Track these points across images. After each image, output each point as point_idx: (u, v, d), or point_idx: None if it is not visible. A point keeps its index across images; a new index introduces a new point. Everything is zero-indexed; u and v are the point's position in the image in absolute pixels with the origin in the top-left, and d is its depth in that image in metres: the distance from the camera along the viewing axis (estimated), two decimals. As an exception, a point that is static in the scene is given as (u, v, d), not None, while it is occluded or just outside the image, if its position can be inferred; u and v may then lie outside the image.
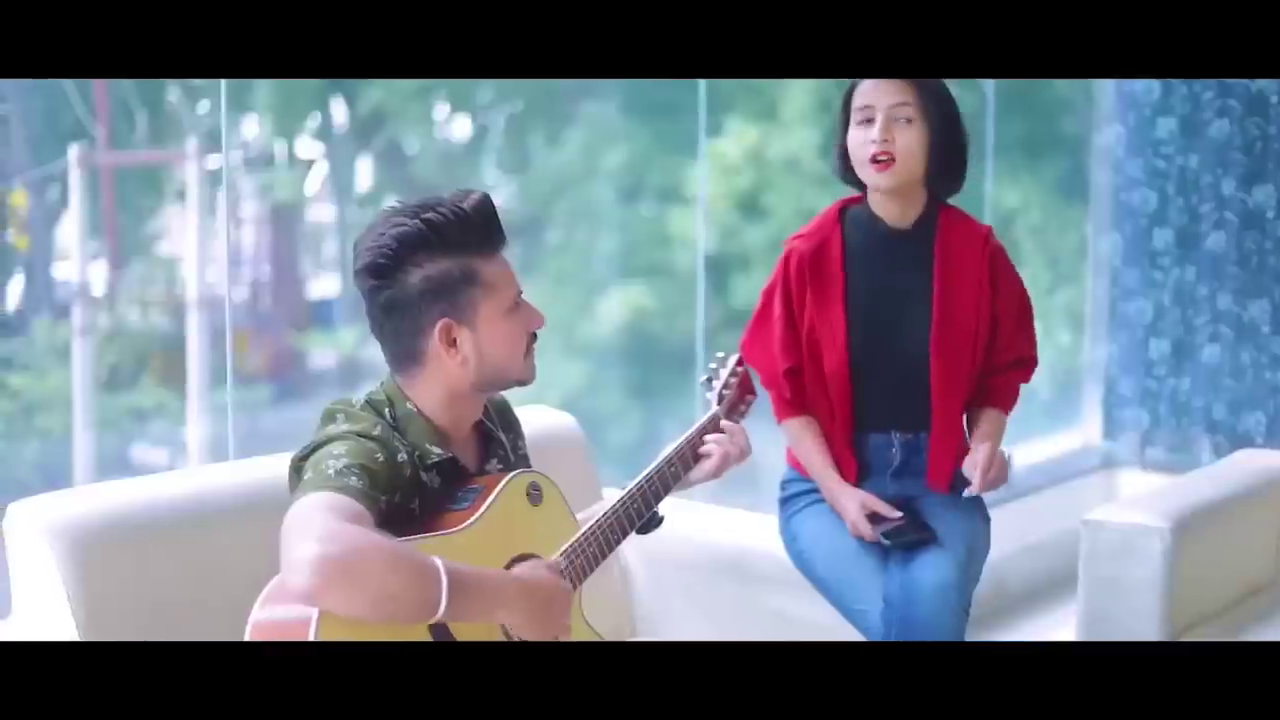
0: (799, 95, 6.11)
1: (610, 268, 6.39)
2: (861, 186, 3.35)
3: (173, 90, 6.31)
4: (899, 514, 3.24)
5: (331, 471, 2.42)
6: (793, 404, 3.38)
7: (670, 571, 3.61)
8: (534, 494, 2.70)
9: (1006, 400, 3.43)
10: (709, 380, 3.09)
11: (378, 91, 6.36)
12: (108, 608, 2.74)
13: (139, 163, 6.63)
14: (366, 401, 2.64)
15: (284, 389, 6.82)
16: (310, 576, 2.23)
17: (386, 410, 2.63)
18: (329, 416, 2.61)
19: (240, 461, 3.12)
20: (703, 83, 5.50)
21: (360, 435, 2.53)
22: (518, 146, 6.69)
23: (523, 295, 2.68)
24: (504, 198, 7.05)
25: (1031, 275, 7.46)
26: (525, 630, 2.50)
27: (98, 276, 6.86)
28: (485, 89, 6.44)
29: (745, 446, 3.01)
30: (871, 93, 3.23)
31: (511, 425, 2.91)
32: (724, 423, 3.02)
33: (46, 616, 2.74)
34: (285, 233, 8.07)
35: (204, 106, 7.00)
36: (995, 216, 6.98)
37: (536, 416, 3.61)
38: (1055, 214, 7.55)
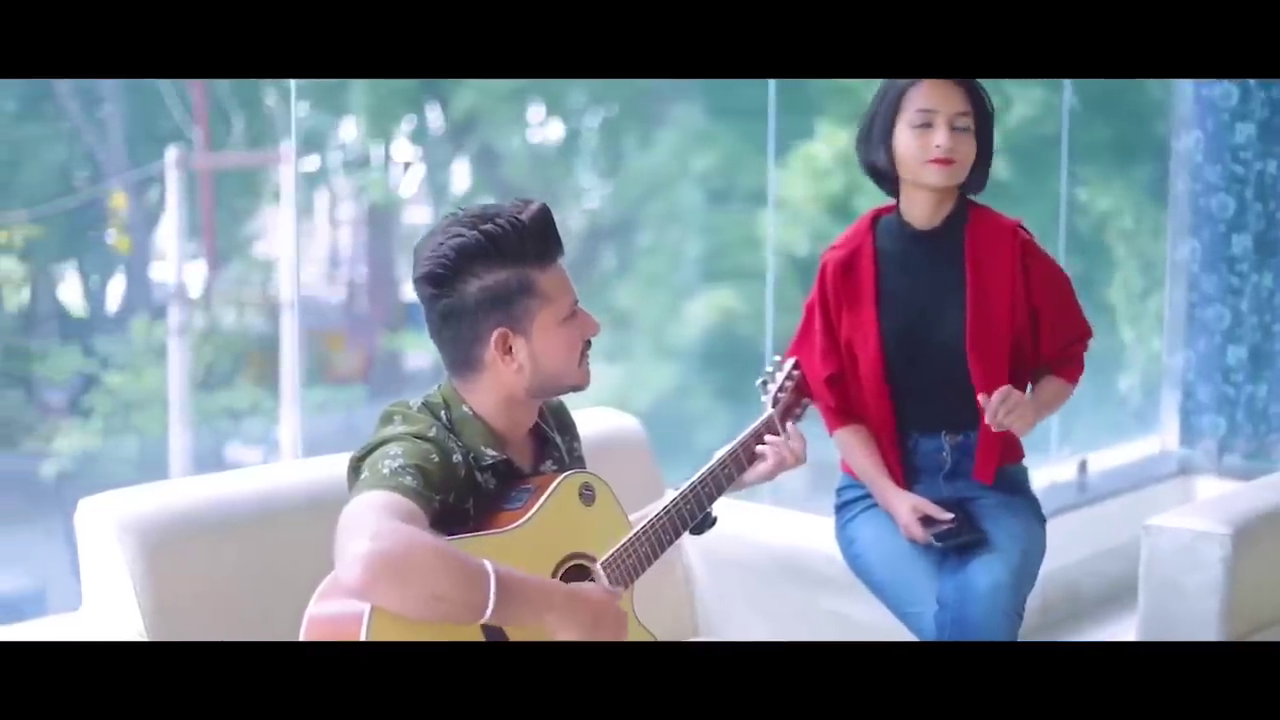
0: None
1: (699, 270, 6.40)
2: (891, 187, 3.34)
3: (269, 92, 6.38)
4: (950, 516, 3.23)
5: (387, 471, 2.46)
6: (838, 412, 3.38)
7: (732, 573, 3.62)
8: (586, 494, 2.71)
9: (1071, 371, 3.42)
10: (764, 383, 3.10)
11: (470, 94, 6.40)
12: (174, 602, 2.77)
13: (235, 164, 6.71)
14: (424, 404, 2.66)
15: (376, 389, 6.89)
16: (361, 572, 2.27)
17: (443, 413, 2.66)
18: (387, 418, 2.64)
19: (306, 460, 3.16)
20: (772, 83, 5.48)
21: (416, 436, 2.55)
22: (610, 149, 6.71)
23: (578, 303, 2.70)
24: (596, 201, 7.08)
25: (1124, 280, 7.39)
26: (570, 637, 2.52)
27: (194, 277, 6.96)
28: (578, 92, 6.47)
29: (801, 452, 3.01)
30: (933, 98, 3.21)
31: (567, 427, 2.93)
32: (785, 426, 3.02)
33: (115, 610, 2.78)
34: (381, 234, 8.14)
35: (301, 109, 7.08)
36: (1086, 220, 6.93)
37: (600, 418, 3.62)
38: (1148, 219, 7.47)
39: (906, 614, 3.24)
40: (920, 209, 3.32)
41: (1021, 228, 3.33)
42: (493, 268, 2.57)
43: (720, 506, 3.41)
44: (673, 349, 6.44)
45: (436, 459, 2.53)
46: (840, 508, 3.49)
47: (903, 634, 3.22)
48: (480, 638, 2.43)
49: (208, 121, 6.53)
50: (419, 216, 8.31)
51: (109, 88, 6.54)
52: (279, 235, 6.50)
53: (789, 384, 3.12)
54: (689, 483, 2.90)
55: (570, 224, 7.23)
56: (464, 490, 2.60)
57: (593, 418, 3.63)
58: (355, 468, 2.56)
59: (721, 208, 6.49)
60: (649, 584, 3.30)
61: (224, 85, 6.28)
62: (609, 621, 2.55)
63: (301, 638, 2.42)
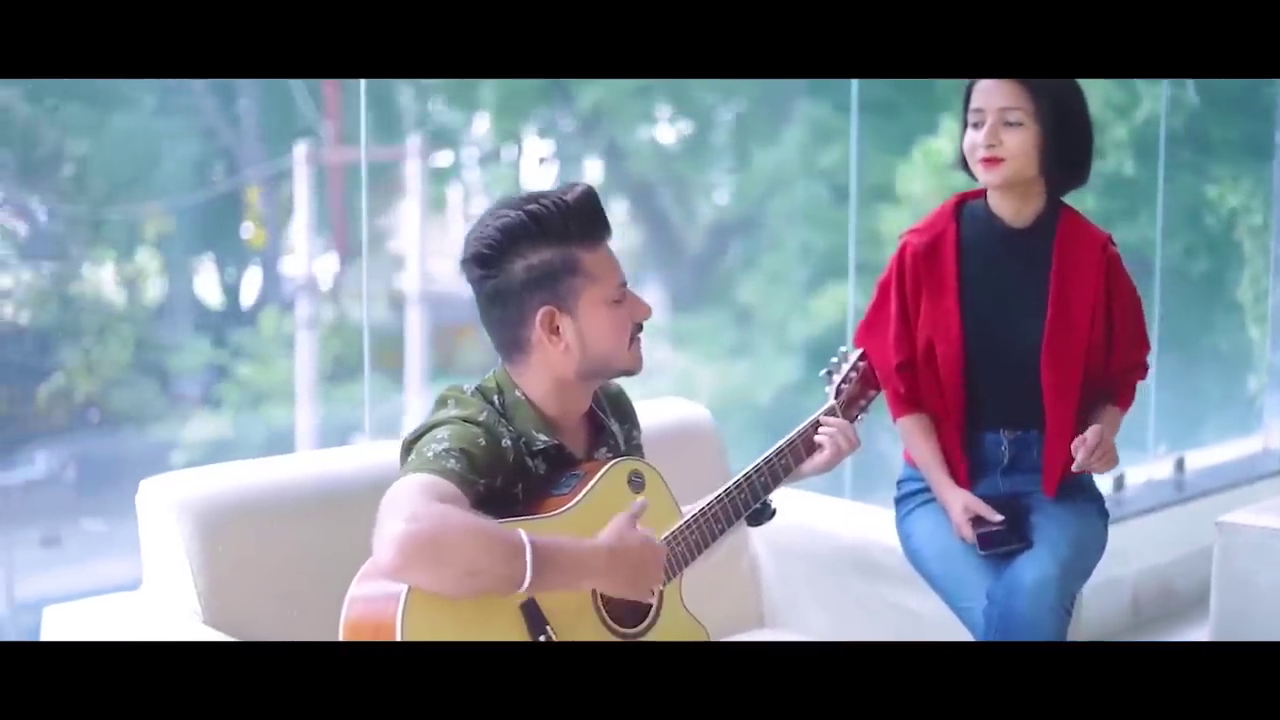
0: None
1: (823, 266, 6.36)
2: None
3: (400, 88, 6.45)
4: (1000, 517, 3.20)
5: (431, 454, 2.48)
6: (906, 400, 3.34)
7: (797, 563, 3.59)
8: (635, 481, 2.70)
9: (1125, 400, 3.38)
10: (829, 373, 3.07)
11: (596, 90, 6.42)
12: (229, 583, 2.79)
13: (363, 159, 6.76)
14: (477, 388, 2.68)
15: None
16: (395, 553, 2.30)
17: (495, 397, 2.67)
18: (441, 402, 2.65)
19: (362, 445, 3.17)
20: (855, 83, 5.42)
21: (465, 420, 2.57)
22: (738, 146, 6.71)
23: (626, 285, 2.70)
24: (722, 197, 7.09)
25: (1252, 276, 7.26)
26: (618, 592, 2.55)
27: (323, 270, 7.04)
28: (706, 89, 6.47)
29: (854, 439, 3.00)
30: (982, 96, 3.19)
31: (626, 415, 2.94)
32: (828, 418, 2.98)
33: (171, 590, 2.82)
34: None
35: (431, 105, 7.14)
36: (1215, 218, 6.82)
37: (670, 408, 3.61)
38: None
39: (959, 608, 3.22)
40: (1005, 206, 3.28)
41: (1111, 241, 3.30)
42: (538, 247, 2.59)
43: (785, 498, 3.39)
44: (795, 344, 6.41)
45: (484, 443, 2.54)
46: (900, 500, 3.46)
47: (962, 628, 3.19)
48: (516, 611, 2.48)
49: (339, 116, 6.61)
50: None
51: (242, 84, 6.64)
52: (406, 229, 6.57)
53: (854, 375, 3.08)
54: (743, 472, 2.89)
55: (697, 219, 7.24)
56: (513, 474, 2.61)
57: (663, 407, 3.63)
58: (406, 450, 2.60)
59: (846, 204, 6.47)
60: (715, 573, 3.29)
61: (355, 81, 6.35)
62: (651, 570, 2.57)
63: (342, 618, 2.45)
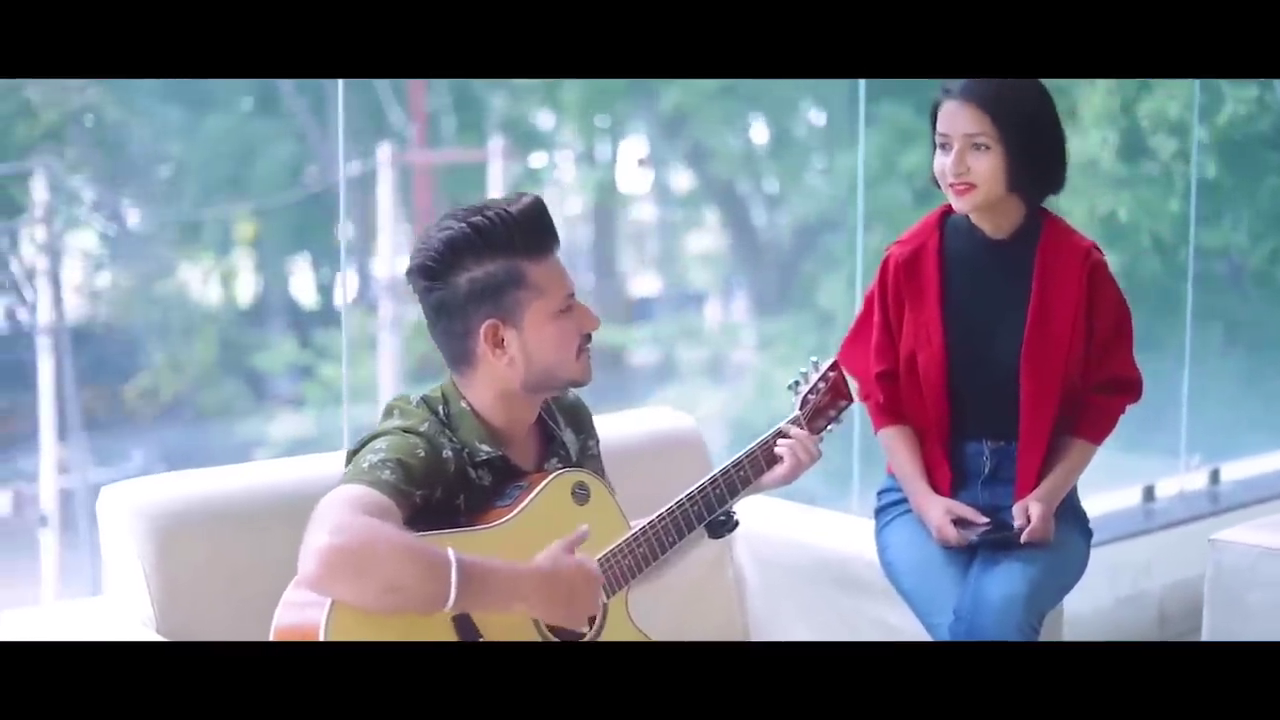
0: (1099, 96, 5.94)
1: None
2: None
3: (484, 89, 6.49)
4: (985, 520, 3.15)
5: (366, 465, 2.46)
6: (887, 410, 3.29)
7: (781, 576, 3.53)
8: (579, 493, 2.65)
9: (1098, 427, 3.26)
10: (795, 384, 3.02)
11: (677, 92, 6.42)
12: (184, 591, 2.68)
13: (448, 161, 6.81)
14: (423, 399, 2.65)
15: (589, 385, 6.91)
16: (316, 565, 2.29)
17: (441, 407, 2.64)
18: (387, 412, 2.61)
19: (326, 455, 3.11)
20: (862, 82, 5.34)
21: (406, 431, 2.54)
22: (818, 147, 6.67)
23: (574, 296, 2.65)
24: (802, 199, 7.07)
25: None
26: (550, 619, 2.50)
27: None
28: (785, 90, 6.45)
29: (815, 451, 2.93)
30: (947, 121, 3.12)
31: (583, 426, 2.88)
32: (791, 429, 2.93)
33: (129, 597, 2.81)
34: (605, 230, 8.21)
35: (515, 106, 7.17)
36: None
37: (654, 418, 3.56)
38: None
39: (928, 624, 3.16)
40: (985, 220, 3.23)
41: (1096, 249, 3.23)
42: (482, 260, 2.55)
43: (771, 508, 3.34)
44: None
45: (423, 453, 2.51)
46: (879, 510, 3.41)
47: (936, 644, 3.15)
48: (450, 626, 2.43)
49: (425, 118, 6.65)
50: (645, 213, 8.37)
51: (331, 85, 6.68)
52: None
53: (822, 385, 3.01)
54: (697, 485, 2.82)
55: (777, 221, 7.23)
56: (455, 485, 2.57)
57: (648, 417, 3.58)
58: (349, 460, 2.58)
59: (927, 206, 6.43)
60: (699, 584, 3.25)
61: (440, 83, 6.40)
62: (584, 598, 2.51)
63: (273, 623, 2.41)
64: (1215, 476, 6.02)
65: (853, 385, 3.18)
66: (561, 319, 2.60)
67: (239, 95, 6.85)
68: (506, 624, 2.50)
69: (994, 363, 3.21)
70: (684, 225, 7.90)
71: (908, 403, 3.28)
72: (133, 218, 6.60)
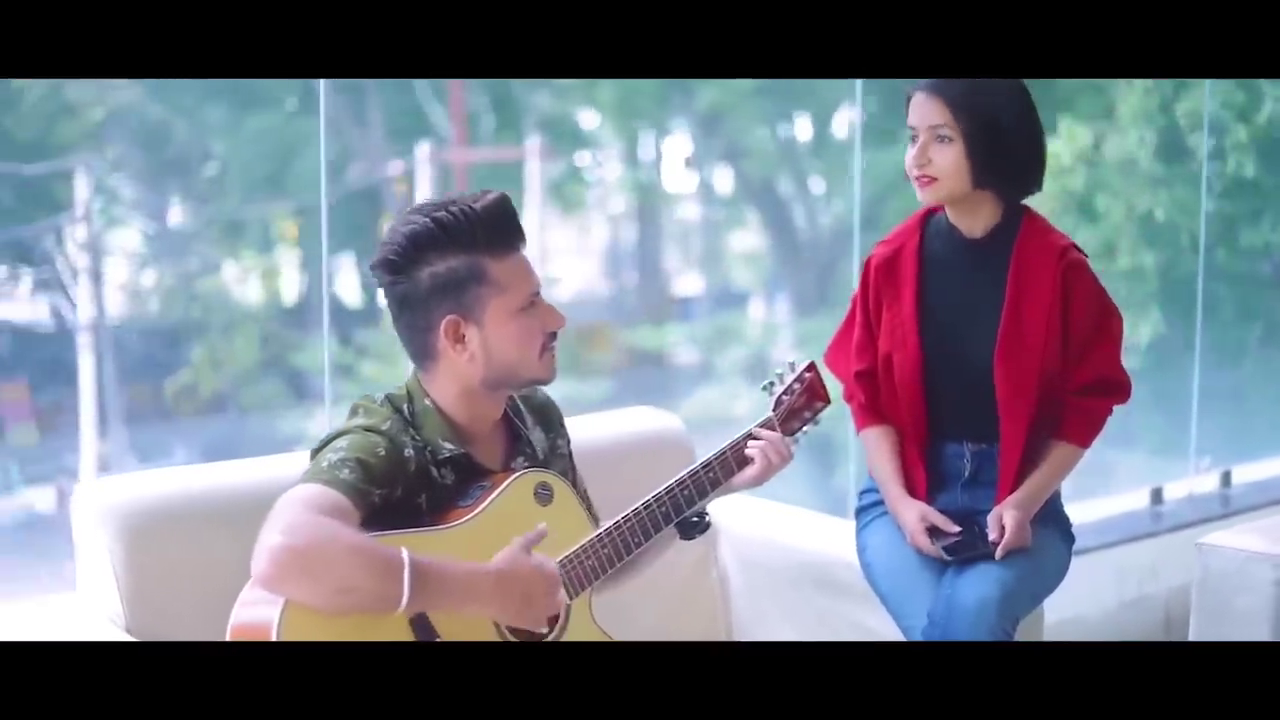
0: (1136, 95, 5.89)
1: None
2: None
3: (522, 89, 6.48)
4: (957, 529, 3.12)
5: (326, 464, 2.46)
6: (868, 410, 3.26)
7: (764, 578, 3.51)
8: (542, 493, 2.65)
9: (1081, 430, 3.22)
10: (770, 384, 2.99)
11: (714, 91, 6.40)
12: (154, 590, 2.78)
13: (486, 160, 6.80)
14: (387, 396, 2.67)
15: (624, 384, 6.90)
16: (268, 564, 2.29)
17: (405, 405, 2.64)
18: (352, 410, 2.65)
19: (296, 454, 3.10)
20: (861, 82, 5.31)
21: (367, 429, 2.54)
22: (859, 146, 6.62)
23: (539, 294, 2.66)
24: (842, 198, 7.01)
25: None
26: (507, 620, 2.51)
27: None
28: (825, 89, 6.41)
29: (786, 453, 2.90)
30: (915, 113, 3.10)
31: (552, 424, 2.89)
32: (763, 430, 2.89)
33: (99, 594, 2.79)
34: (650, 229, 8.19)
35: (555, 105, 7.15)
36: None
37: (640, 418, 3.53)
38: None
39: (903, 626, 3.13)
40: (959, 218, 3.20)
41: (1074, 248, 3.18)
42: (445, 255, 2.56)
43: (756, 509, 3.32)
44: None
45: (383, 452, 2.51)
46: (859, 511, 3.38)
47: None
48: (406, 628, 2.44)
49: (463, 117, 6.65)
50: (689, 212, 8.34)
51: (371, 84, 6.70)
52: (529, 229, 6.59)
53: (797, 386, 2.98)
54: (665, 486, 2.81)
55: (818, 221, 7.19)
56: (416, 485, 2.57)
57: (634, 417, 3.56)
58: (312, 458, 2.58)
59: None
60: (683, 585, 3.24)
61: (479, 82, 6.39)
62: (542, 596, 2.51)
63: (229, 623, 2.43)
64: (1227, 479, 5.95)
65: (835, 388, 3.17)
66: (523, 316, 2.59)
67: (282, 94, 6.86)
68: (465, 624, 2.49)
69: (969, 363, 3.19)
70: (725, 225, 7.88)
71: (888, 402, 3.27)
72: (174, 216, 6.63)
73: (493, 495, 2.59)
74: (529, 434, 2.77)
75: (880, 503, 3.31)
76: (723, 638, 3.49)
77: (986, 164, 3.10)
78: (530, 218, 6.45)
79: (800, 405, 3.01)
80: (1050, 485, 3.20)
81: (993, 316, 3.18)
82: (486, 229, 2.58)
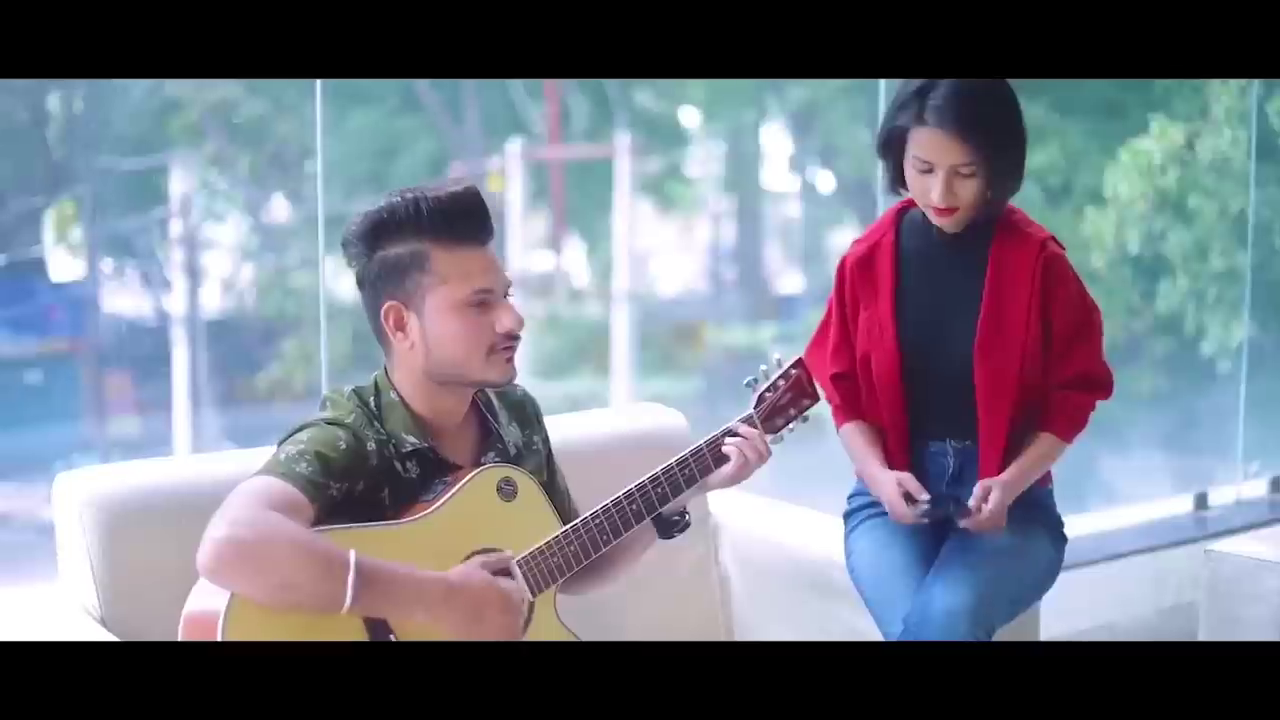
0: (1231, 94, 5.77)
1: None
2: None
3: (615, 87, 6.49)
4: (927, 496, 3.03)
5: (284, 456, 2.37)
6: (844, 410, 3.20)
7: (763, 579, 3.43)
8: (506, 489, 2.49)
9: (1065, 423, 3.11)
10: (753, 381, 2.89)
11: (804, 90, 6.37)
12: (130, 581, 2.63)
13: (576, 157, 6.81)
14: (355, 389, 2.54)
15: (714, 382, 6.88)
16: (210, 556, 2.24)
17: (372, 398, 2.54)
18: (321, 404, 2.57)
19: (276, 447, 3.06)
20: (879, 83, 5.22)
21: (329, 422, 2.45)
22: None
23: (492, 292, 2.50)
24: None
25: None
26: (453, 634, 2.40)
27: (539, 265, 7.09)
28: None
29: (764, 450, 2.79)
30: (932, 151, 2.97)
31: (528, 421, 2.73)
32: (743, 427, 2.80)
33: (77, 586, 2.79)
34: (750, 228, 8.18)
35: (652, 103, 7.15)
36: None
37: (643, 414, 3.45)
38: None
39: (884, 631, 3.06)
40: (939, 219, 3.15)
41: (1053, 241, 3.09)
42: (394, 240, 2.47)
43: (759, 508, 3.24)
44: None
45: (343, 446, 2.42)
46: (846, 515, 3.30)
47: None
48: (361, 629, 2.37)
49: (558, 114, 6.67)
50: (790, 210, 8.32)
51: (469, 83, 6.74)
52: (618, 226, 6.59)
53: (781, 383, 2.86)
54: (636, 483, 2.71)
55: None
56: (378, 478, 2.46)
57: (637, 413, 3.49)
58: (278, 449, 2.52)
59: (1058, 205, 6.31)
60: (683, 585, 3.16)
61: (573, 80, 6.41)
62: (494, 614, 2.39)
63: (183, 610, 2.39)
64: (1277, 484, 5.77)
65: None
66: (466, 312, 2.47)
67: (384, 92, 6.92)
68: (419, 626, 2.44)
69: (948, 360, 3.10)
70: (824, 222, 7.85)
71: (868, 403, 3.20)
72: (271, 212, 6.71)
73: (453, 490, 2.52)
74: (501, 430, 2.70)
75: (867, 506, 3.25)
76: (722, 638, 3.44)
77: (1001, 183, 3.04)
78: (619, 214, 6.45)
79: (785, 403, 2.89)
80: (1033, 471, 3.11)
81: (972, 312, 3.09)
82: (438, 218, 2.50)
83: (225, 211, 6.58)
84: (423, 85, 6.77)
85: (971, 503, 2.95)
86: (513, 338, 2.49)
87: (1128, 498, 5.83)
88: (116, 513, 2.75)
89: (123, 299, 6.66)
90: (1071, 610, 3.25)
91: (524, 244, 6.39)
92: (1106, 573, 3.17)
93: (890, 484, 3.02)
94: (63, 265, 6.43)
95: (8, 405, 5.99)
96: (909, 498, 3.00)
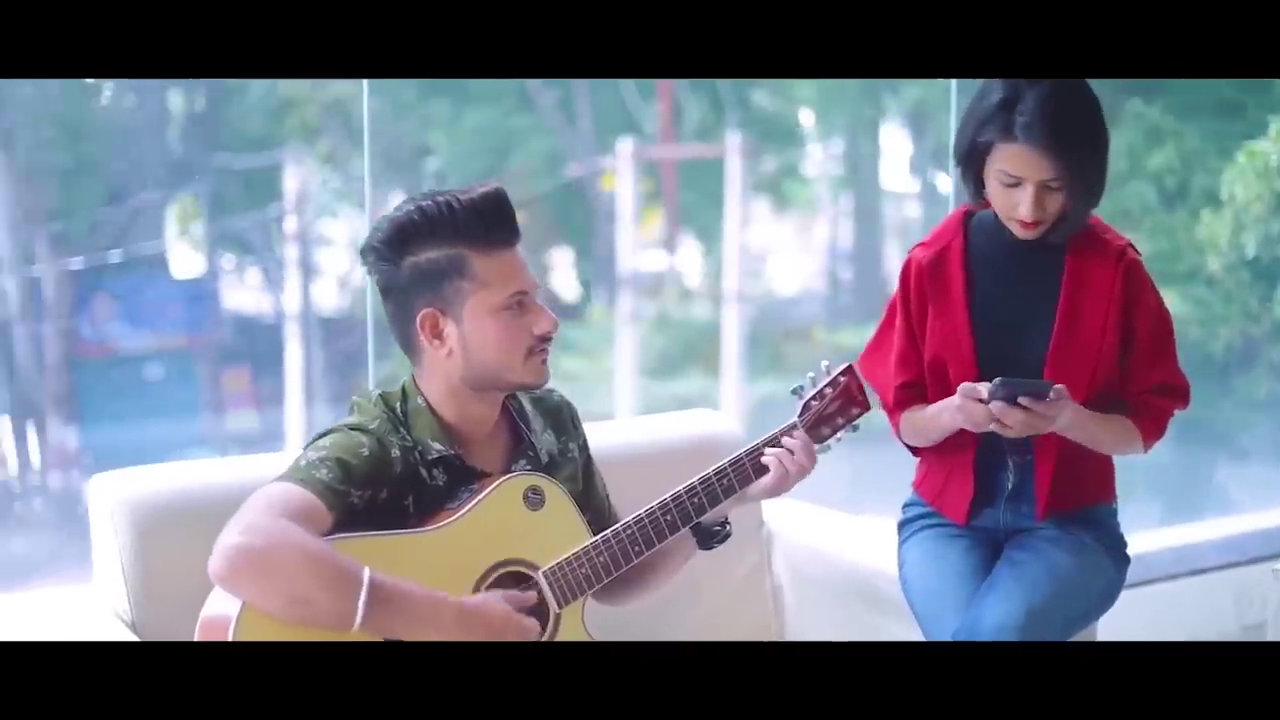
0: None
1: (1151, 270, 6.06)
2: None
3: (726, 87, 6.46)
4: (985, 387, 2.93)
5: (305, 463, 2.36)
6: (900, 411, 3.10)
7: (814, 589, 3.35)
8: (532, 497, 2.47)
9: (1150, 423, 3.02)
10: (799, 389, 2.77)
11: (916, 89, 6.30)
12: (161, 584, 2.58)
13: (687, 156, 6.78)
14: (381, 395, 2.53)
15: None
16: (222, 564, 2.21)
17: (398, 404, 2.51)
18: (350, 408, 2.53)
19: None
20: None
21: (354, 428, 2.43)
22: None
23: (527, 295, 2.46)
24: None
25: None
26: None
27: (651, 265, 7.07)
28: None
29: (806, 462, 2.66)
30: (1020, 165, 2.88)
31: (564, 428, 2.68)
32: (784, 439, 2.68)
33: (110, 588, 2.77)
34: (868, 227, 8.11)
35: (769, 103, 7.11)
36: None
37: (696, 421, 3.38)
38: None
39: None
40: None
41: (1131, 248, 2.99)
42: (426, 246, 2.43)
43: (809, 517, 3.17)
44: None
45: (366, 452, 2.39)
46: (900, 526, 3.20)
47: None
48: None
49: (670, 114, 6.65)
50: (912, 210, 8.24)
51: (582, 83, 6.73)
52: (729, 227, 6.55)
53: (829, 391, 2.73)
54: (671, 493, 2.59)
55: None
56: (402, 485, 2.43)
57: (689, 420, 3.44)
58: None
59: (1175, 207, 6.19)
60: (737, 595, 3.12)
61: (685, 80, 6.38)
62: (510, 641, 2.33)
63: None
64: None
65: (872, 394, 3.00)
66: (505, 316, 2.42)
67: (500, 91, 6.94)
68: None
69: (1023, 368, 3.01)
70: (932, 222, 7.79)
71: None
72: (387, 210, 6.74)
73: (478, 498, 2.46)
74: (534, 437, 2.63)
75: (920, 517, 3.17)
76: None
77: (1086, 193, 2.97)
78: (730, 215, 6.41)
79: (833, 411, 2.76)
80: (1099, 429, 3.00)
81: (1046, 318, 3.00)
82: (472, 222, 2.45)
83: (340, 208, 6.61)
84: (536, 85, 6.77)
85: (1050, 394, 2.78)
86: (547, 340, 2.46)
87: (1245, 506, 5.72)
88: (149, 514, 2.72)
89: (240, 295, 6.72)
90: (1137, 626, 3.15)
91: (635, 243, 6.37)
92: (1186, 589, 3.07)
93: (953, 402, 2.86)
94: (184, 261, 6.49)
95: (127, 400, 6.04)
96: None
